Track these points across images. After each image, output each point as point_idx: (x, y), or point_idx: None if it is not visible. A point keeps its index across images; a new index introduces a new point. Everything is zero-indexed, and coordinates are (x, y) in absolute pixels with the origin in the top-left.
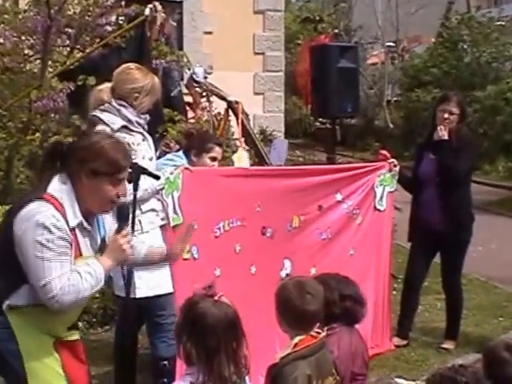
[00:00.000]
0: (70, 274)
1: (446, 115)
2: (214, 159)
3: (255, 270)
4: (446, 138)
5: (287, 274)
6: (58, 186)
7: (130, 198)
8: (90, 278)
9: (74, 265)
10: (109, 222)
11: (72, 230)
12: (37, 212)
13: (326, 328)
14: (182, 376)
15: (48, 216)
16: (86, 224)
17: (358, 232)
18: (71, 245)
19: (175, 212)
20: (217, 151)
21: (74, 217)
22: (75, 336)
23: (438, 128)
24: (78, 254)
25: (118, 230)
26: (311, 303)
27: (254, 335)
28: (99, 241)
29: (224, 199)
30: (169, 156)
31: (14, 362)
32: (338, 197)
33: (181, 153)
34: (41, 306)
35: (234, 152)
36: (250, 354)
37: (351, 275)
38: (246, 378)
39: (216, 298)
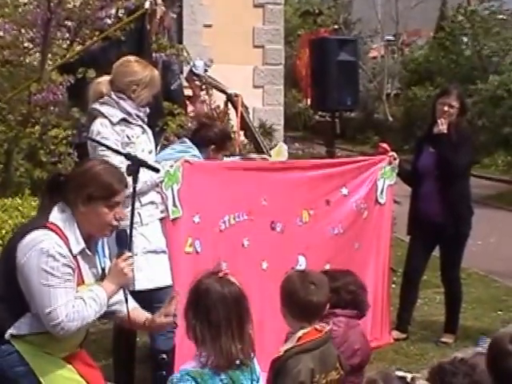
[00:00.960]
0: (74, 301)
1: (446, 108)
2: (227, 156)
3: (267, 265)
4: (446, 131)
5: None
6: (58, 215)
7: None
8: (94, 304)
9: (77, 292)
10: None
11: (74, 257)
12: (41, 240)
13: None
14: (190, 360)
15: (52, 244)
16: (87, 251)
17: (363, 226)
18: (74, 272)
19: (175, 205)
20: (229, 147)
21: (77, 243)
22: (75, 349)
23: (439, 121)
24: (81, 281)
25: (119, 255)
26: (315, 294)
27: (265, 330)
28: (100, 269)
29: (228, 192)
30: (181, 148)
31: (25, 379)
32: (344, 191)
33: (190, 143)
34: (44, 333)
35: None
36: (259, 350)
37: (356, 269)
38: (255, 360)
39: (220, 274)
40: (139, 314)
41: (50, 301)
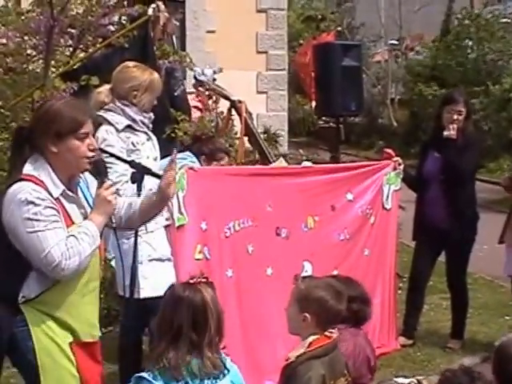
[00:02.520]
0: (67, 240)
1: (456, 116)
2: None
3: (272, 271)
4: (455, 137)
5: None
6: (31, 166)
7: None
8: (86, 238)
9: (68, 233)
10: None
11: (57, 199)
12: (18, 192)
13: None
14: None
15: (29, 191)
16: (69, 192)
17: (371, 232)
18: (60, 213)
19: (180, 212)
20: (225, 161)
21: (55, 187)
22: (93, 338)
23: (450, 126)
24: (70, 222)
25: (100, 184)
26: (343, 303)
27: (270, 335)
28: (88, 208)
29: (232, 199)
30: (181, 155)
31: (32, 359)
32: (349, 196)
33: (188, 152)
34: (53, 289)
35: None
36: (265, 355)
37: (367, 276)
38: (232, 365)
39: (194, 280)
40: (145, 201)
41: (41, 245)
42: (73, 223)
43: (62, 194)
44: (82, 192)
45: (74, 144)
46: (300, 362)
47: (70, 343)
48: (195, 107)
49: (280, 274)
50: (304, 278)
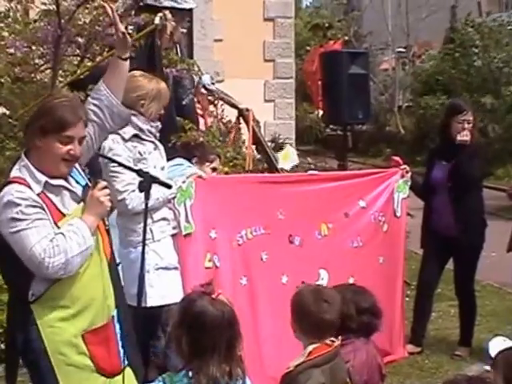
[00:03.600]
0: (53, 237)
1: (466, 125)
2: (214, 169)
3: (287, 279)
4: (468, 142)
5: None
6: (16, 168)
7: (136, 201)
8: (74, 237)
9: (56, 229)
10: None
11: (41, 194)
12: (3, 196)
13: (340, 338)
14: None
15: (11, 193)
16: (55, 182)
17: (385, 239)
18: (44, 209)
19: (187, 221)
20: (217, 162)
21: (37, 183)
22: (108, 318)
23: (463, 133)
24: (60, 214)
25: (94, 184)
26: (328, 312)
27: (284, 344)
28: (80, 191)
29: (243, 207)
30: (179, 160)
31: (46, 361)
32: (362, 203)
33: (181, 159)
34: (59, 282)
35: (245, 159)
36: (278, 364)
37: (382, 284)
38: (247, 379)
39: (214, 296)
40: (108, 73)
41: (24, 244)
42: (63, 214)
43: (45, 187)
44: (73, 175)
45: (54, 144)
46: (299, 371)
47: (83, 334)
48: (200, 115)
49: (296, 282)
50: (302, 287)
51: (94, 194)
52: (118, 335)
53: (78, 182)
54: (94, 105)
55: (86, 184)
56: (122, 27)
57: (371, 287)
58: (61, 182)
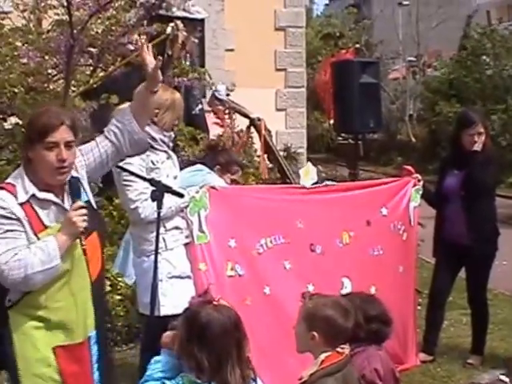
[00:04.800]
0: (20, 250)
1: (476, 138)
2: (233, 181)
3: (313, 288)
4: (478, 149)
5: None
6: (14, 173)
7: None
8: (40, 253)
9: (36, 239)
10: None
11: (26, 203)
12: None
13: (353, 345)
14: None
15: None
16: (42, 195)
17: (403, 248)
18: (21, 221)
19: (201, 230)
20: (239, 174)
21: (24, 192)
22: (83, 337)
23: (476, 145)
24: (42, 226)
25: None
26: (347, 319)
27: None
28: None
29: (260, 216)
30: (199, 166)
31: (9, 364)
32: (384, 211)
33: (201, 166)
34: (35, 291)
35: (256, 168)
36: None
37: (400, 293)
38: (258, 380)
39: (215, 302)
40: (135, 102)
41: None
42: (45, 227)
43: (31, 198)
44: (74, 191)
45: (42, 152)
46: (313, 381)
47: (54, 348)
48: (216, 123)
49: (321, 290)
50: (311, 296)
51: (69, 213)
52: (95, 357)
53: (77, 197)
54: (117, 127)
55: (88, 201)
56: (154, 62)
57: (391, 296)
58: (49, 196)
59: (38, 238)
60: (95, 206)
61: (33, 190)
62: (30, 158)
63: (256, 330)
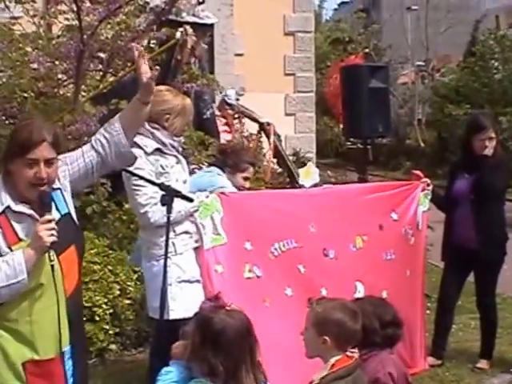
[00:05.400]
0: None
1: (487, 143)
2: (246, 179)
3: (326, 292)
4: (489, 154)
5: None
6: None
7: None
8: (5, 267)
9: (9, 250)
10: None
11: (1, 215)
12: None
13: (366, 350)
14: None
15: None
16: (17, 208)
17: (410, 252)
18: None
19: (217, 233)
20: (250, 171)
21: (0, 204)
22: (55, 353)
23: (487, 150)
24: (16, 239)
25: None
26: (356, 322)
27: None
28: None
29: (270, 221)
30: (210, 168)
31: None
32: (394, 216)
33: (213, 167)
34: (9, 303)
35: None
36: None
37: (407, 297)
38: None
39: (227, 307)
40: (127, 111)
41: None
42: (19, 239)
43: (6, 210)
44: (55, 203)
45: (21, 168)
46: None
47: (24, 363)
48: (225, 131)
49: (334, 294)
50: (318, 300)
51: (37, 227)
52: (69, 372)
53: (58, 209)
54: (104, 137)
55: (67, 213)
56: (148, 72)
57: (400, 300)
58: (24, 209)
59: (12, 251)
60: (75, 219)
61: (8, 202)
62: (10, 171)
63: (273, 331)
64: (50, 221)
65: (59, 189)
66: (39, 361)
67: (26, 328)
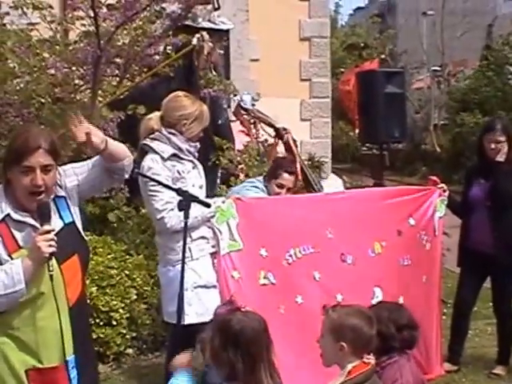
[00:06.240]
0: None
1: (493, 145)
2: (281, 186)
3: (342, 297)
4: (501, 160)
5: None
6: None
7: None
8: (3, 276)
9: (9, 258)
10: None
11: (1, 222)
12: None
13: (384, 357)
14: None
15: None
16: (17, 217)
17: (426, 258)
18: None
19: (233, 239)
20: (285, 178)
21: (0, 212)
22: (59, 361)
23: (499, 155)
24: (16, 246)
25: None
26: (371, 327)
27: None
28: (58, 227)
29: (288, 226)
30: (252, 179)
31: None
32: (412, 222)
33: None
34: (13, 310)
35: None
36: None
37: (424, 303)
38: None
39: (242, 309)
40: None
41: None
42: (19, 247)
43: (5, 218)
44: (59, 211)
45: (17, 176)
46: None
47: (27, 370)
48: (242, 131)
49: (350, 300)
50: (333, 307)
51: (35, 238)
52: (74, 381)
53: (61, 218)
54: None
55: (72, 222)
56: (83, 138)
57: (416, 306)
58: (24, 218)
59: (12, 258)
60: (80, 228)
61: (8, 210)
62: (10, 179)
63: (289, 338)
64: (48, 231)
65: (64, 197)
66: (42, 369)
67: (28, 336)
